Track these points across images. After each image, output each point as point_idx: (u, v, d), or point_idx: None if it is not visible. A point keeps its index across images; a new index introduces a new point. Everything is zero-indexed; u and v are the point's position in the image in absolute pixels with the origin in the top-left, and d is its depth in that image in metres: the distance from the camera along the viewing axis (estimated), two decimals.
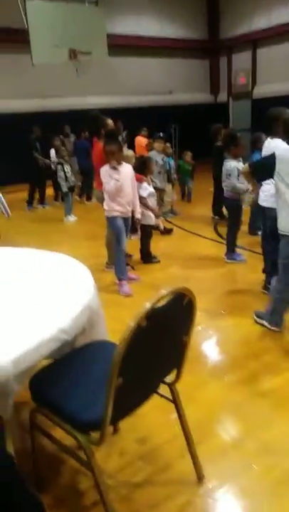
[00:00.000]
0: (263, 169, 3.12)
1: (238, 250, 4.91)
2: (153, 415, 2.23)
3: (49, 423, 1.68)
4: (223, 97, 14.89)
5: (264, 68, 13.25)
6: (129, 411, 1.66)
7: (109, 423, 1.49)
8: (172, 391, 1.86)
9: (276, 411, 2.43)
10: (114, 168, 3.92)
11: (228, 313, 3.66)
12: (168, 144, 7.24)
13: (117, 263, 4.18)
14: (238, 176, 4.43)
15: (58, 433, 1.70)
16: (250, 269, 4.53)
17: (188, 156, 8.03)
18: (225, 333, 3.39)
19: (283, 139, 3.22)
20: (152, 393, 1.78)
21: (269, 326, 3.27)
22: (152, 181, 5.43)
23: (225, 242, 4.98)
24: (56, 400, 1.63)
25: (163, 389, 1.84)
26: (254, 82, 13.71)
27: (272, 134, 3.63)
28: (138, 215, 4.26)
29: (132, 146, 8.46)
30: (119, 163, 3.95)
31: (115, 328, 2.27)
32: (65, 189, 7.29)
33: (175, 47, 13.48)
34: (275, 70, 12.74)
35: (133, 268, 4.74)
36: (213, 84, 15.00)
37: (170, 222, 6.67)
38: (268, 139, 3.72)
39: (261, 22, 12.69)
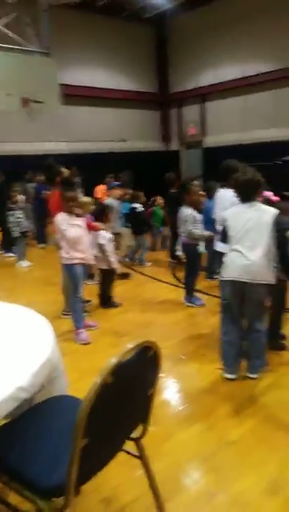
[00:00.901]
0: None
1: (197, 294, 4.96)
2: (118, 472, 2.11)
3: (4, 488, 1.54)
4: (175, 145, 15.58)
5: (213, 120, 14.09)
6: (94, 472, 1.56)
7: (74, 487, 1.38)
8: (138, 446, 1.78)
9: (245, 460, 2.37)
10: (74, 216, 3.93)
11: (190, 359, 3.63)
12: (141, 192, 7.30)
13: (74, 311, 4.10)
14: (194, 222, 4.56)
15: (15, 498, 1.56)
16: (210, 312, 4.57)
17: (160, 199, 7.87)
18: (188, 380, 3.34)
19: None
20: (118, 450, 1.69)
21: (223, 374, 3.26)
22: (111, 227, 5.46)
23: (184, 286, 5.03)
24: (14, 465, 1.51)
25: (128, 443, 1.76)
26: (204, 133, 14.49)
27: (226, 184, 3.82)
28: (92, 261, 4.28)
29: (88, 192, 8.56)
30: (78, 211, 3.98)
31: (73, 379, 2.19)
32: (16, 234, 7.17)
33: (127, 98, 14.11)
34: (223, 122, 13.58)
35: (87, 311, 4.64)
36: (165, 133, 15.70)
37: (129, 268, 6.67)
38: (220, 189, 3.90)
39: (208, 78, 13.63)
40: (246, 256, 3.04)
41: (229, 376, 3.22)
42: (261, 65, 12.02)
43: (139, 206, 6.98)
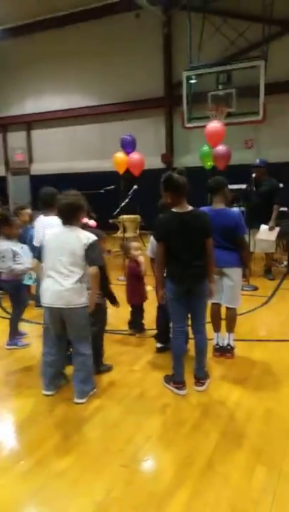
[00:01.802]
0: None
1: (24, 327, 4.77)
2: None
3: None
4: (1, 171, 15.05)
5: (40, 148, 14.13)
6: None
7: None
8: None
9: (74, 488, 2.36)
10: None
11: (16, 394, 3.48)
12: None
13: None
14: (14, 256, 4.16)
15: None
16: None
17: None
18: (11, 415, 3.19)
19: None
20: None
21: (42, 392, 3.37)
22: None
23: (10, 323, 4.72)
24: None
25: None
26: (31, 159, 14.39)
27: (46, 211, 3.85)
28: None
29: None
30: None
31: None
32: None
33: None
34: (51, 150, 13.75)
35: None
36: None
37: None
38: (40, 216, 3.90)
39: (33, 106, 13.69)
40: (59, 282, 3.13)
41: (46, 392, 3.36)
42: (87, 98, 12.67)
43: None
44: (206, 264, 3.29)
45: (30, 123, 14.07)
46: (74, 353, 3.32)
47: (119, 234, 9.00)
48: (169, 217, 3.27)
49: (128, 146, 7.83)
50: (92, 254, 3.17)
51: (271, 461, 2.54)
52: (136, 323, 4.58)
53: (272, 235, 6.58)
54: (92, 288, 3.23)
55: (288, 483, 2.34)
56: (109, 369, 3.77)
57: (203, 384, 3.41)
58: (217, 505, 2.21)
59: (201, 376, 3.44)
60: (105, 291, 3.63)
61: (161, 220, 3.32)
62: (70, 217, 3.22)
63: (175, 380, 3.40)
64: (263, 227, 6.47)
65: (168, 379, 3.49)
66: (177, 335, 3.38)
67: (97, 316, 3.49)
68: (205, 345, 3.44)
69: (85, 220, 3.75)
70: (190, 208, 3.27)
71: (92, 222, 3.94)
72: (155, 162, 11.78)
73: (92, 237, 3.21)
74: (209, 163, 8.04)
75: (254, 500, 2.23)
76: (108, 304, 3.77)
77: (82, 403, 3.23)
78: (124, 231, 8.94)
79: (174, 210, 3.26)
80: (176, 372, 3.40)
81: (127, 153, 7.78)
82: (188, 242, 3.21)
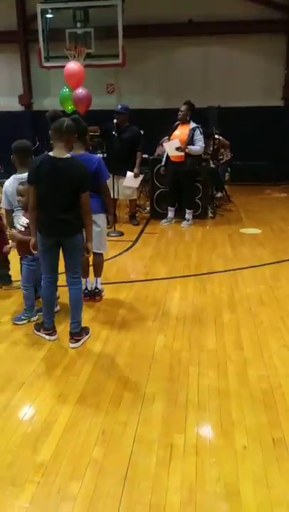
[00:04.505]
0: None
1: None
2: None
3: None
4: None
5: None
6: None
7: None
8: None
9: None
10: None
11: None
12: None
13: None
14: None
15: None
16: None
17: None
18: None
19: None
20: None
21: None
22: None
23: None
24: None
25: None
26: None
27: None
28: None
29: None
30: None
31: None
32: None
33: None
34: None
35: None
36: None
37: None
38: None
39: None
40: None
41: None
42: None
43: None
44: (78, 218, 3.14)
45: None
46: None
47: None
48: (41, 160, 3.08)
49: None
50: None
51: (136, 387, 2.82)
52: (1, 275, 4.43)
53: (136, 182, 6.80)
54: None
55: (150, 405, 2.64)
56: None
57: (76, 341, 3.33)
58: (90, 432, 2.40)
59: (75, 332, 3.36)
60: None
61: (34, 161, 3.17)
62: None
63: (44, 326, 3.45)
64: (129, 174, 6.61)
65: (38, 327, 3.53)
66: (46, 284, 3.36)
67: None
68: (77, 298, 3.37)
69: None
70: (68, 154, 3.08)
71: None
72: (11, 104, 10.97)
73: None
74: (70, 107, 7.80)
75: (122, 422, 2.48)
76: None
77: None
78: None
79: (50, 153, 3.08)
80: (45, 319, 3.44)
81: None
82: (56, 193, 3.04)
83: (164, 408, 2.60)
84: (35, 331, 3.52)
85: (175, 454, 2.24)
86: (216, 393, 2.74)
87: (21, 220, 3.60)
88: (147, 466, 2.16)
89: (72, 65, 7.34)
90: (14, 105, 11.04)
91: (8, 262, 4.40)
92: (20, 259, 3.79)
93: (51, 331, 3.45)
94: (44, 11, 8.34)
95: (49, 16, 8.45)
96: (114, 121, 6.51)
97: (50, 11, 8.40)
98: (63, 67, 7.59)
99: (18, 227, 3.62)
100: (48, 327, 3.44)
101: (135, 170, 6.66)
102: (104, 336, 3.51)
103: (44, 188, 3.06)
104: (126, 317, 3.86)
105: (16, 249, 3.72)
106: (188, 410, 2.58)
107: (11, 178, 3.77)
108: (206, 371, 2.98)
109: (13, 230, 3.69)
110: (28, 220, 3.46)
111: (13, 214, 3.79)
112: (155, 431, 2.42)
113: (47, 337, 3.43)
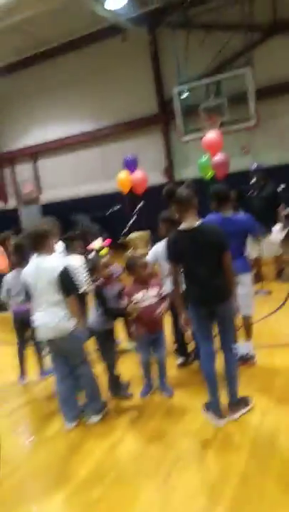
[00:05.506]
0: None
1: None
2: None
3: None
4: (13, 203, 15.44)
5: (47, 176, 14.48)
6: None
7: None
8: None
9: None
10: None
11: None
12: None
13: None
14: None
15: None
16: None
17: None
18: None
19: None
20: None
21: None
22: None
23: None
24: None
25: None
26: (40, 189, 14.76)
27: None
28: None
29: None
30: None
31: None
32: None
33: None
34: (57, 178, 14.10)
35: None
36: (1, 192, 15.50)
37: None
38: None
39: (38, 137, 14.06)
40: (44, 315, 3.19)
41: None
42: (86, 124, 13.00)
43: None
44: (226, 281, 3.06)
45: (35, 153, 14.44)
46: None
47: (129, 253, 9.11)
48: (176, 236, 3.10)
49: (131, 165, 8.04)
50: (65, 283, 3.15)
51: None
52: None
53: (281, 235, 6.57)
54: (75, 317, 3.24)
55: None
56: (126, 397, 3.76)
57: (235, 412, 3.19)
58: None
59: (233, 402, 3.21)
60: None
61: (170, 240, 3.19)
62: (34, 245, 3.23)
63: (210, 407, 3.24)
64: (275, 228, 6.44)
65: (207, 406, 3.29)
66: (204, 357, 3.24)
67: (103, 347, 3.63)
68: (232, 367, 3.22)
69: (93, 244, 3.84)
70: (197, 222, 3.04)
71: (97, 243, 3.91)
72: (157, 178, 11.93)
73: (64, 264, 3.20)
74: (209, 173, 8.15)
75: None
76: None
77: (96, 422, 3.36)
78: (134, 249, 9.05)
79: (180, 227, 3.07)
80: (210, 398, 3.24)
81: (131, 172, 7.97)
82: (202, 261, 3.00)
83: None
84: (203, 411, 3.29)
85: None
86: None
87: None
88: None
89: (211, 135, 7.73)
90: (158, 179, 11.96)
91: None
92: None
93: (219, 414, 3.18)
94: (180, 92, 9.14)
95: (184, 95, 9.20)
96: (253, 180, 6.53)
97: (185, 91, 9.15)
98: (201, 138, 8.07)
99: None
100: (214, 408, 3.20)
101: (281, 224, 6.46)
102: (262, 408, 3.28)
103: (188, 261, 3.07)
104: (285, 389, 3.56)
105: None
106: None
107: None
108: None
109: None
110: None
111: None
112: None
113: (214, 421, 3.16)
